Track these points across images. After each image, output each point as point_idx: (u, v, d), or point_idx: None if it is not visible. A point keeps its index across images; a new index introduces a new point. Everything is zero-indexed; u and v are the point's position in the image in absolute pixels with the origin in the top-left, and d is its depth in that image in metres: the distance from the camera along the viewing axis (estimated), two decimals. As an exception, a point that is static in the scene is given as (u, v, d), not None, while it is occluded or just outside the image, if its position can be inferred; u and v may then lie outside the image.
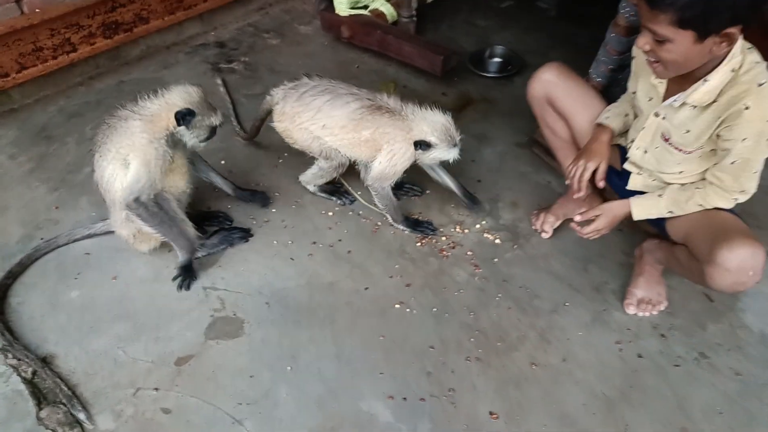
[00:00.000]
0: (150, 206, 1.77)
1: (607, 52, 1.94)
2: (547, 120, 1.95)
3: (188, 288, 1.90)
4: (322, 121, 1.96)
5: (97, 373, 1.69)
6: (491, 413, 1.61)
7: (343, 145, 2.00)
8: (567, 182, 1.79)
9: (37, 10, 2.45)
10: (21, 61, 2.48)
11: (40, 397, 1.63)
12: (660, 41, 1.33)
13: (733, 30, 1.29)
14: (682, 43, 1.32)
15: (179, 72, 2.76)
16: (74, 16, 2.53)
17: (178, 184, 1.88)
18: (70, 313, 1.81)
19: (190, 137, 1.82)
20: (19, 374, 1.66)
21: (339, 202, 2.18)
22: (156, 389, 1.65)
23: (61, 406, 1.61)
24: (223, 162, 2.31)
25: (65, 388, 1.63)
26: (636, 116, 1.73)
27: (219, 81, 2.68)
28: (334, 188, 2.20)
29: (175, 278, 1.91)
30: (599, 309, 1.85)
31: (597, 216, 1.70)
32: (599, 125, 1.76)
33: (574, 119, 1.87)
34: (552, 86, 1.87)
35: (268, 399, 1.63)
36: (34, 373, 1.68)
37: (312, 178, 2.15)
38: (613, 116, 1.75)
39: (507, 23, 3.08)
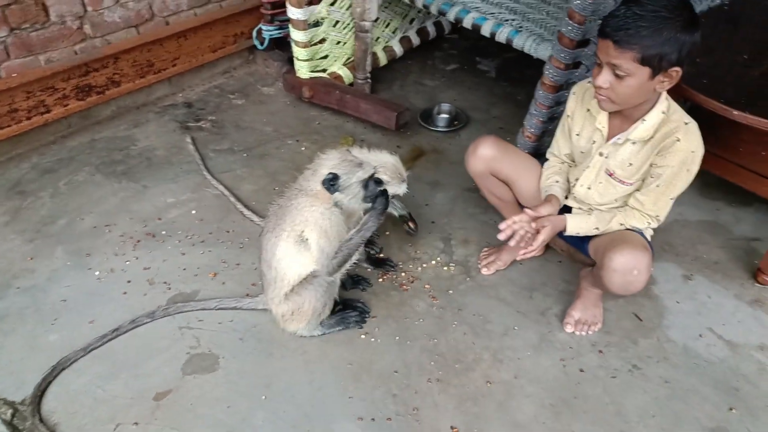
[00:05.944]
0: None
1: (538, 106, 2.25)
2: (490, 187, 2.16)
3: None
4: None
5: (77, 411, 1.75)
6: (452, 427, 1.76)
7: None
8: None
9: (14, 75, 2.60)
10: (-4, 122, 2.59)
11: (20, 436, 1.68)
12: (620, 77, 1.60)
13: (676, 69, 1.59)
14: (639, 78, 1.59)
15: (150, 130, 2.93)
16: (50, 80, 2.68)
17: None
18: (49, 355, 1.88)
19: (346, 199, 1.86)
20: (-2, 416, 1.71)
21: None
22: (136, 423, 1.73)
23: (42, 444, 1.67)
24: (194, 212, 2.46)
25: (43, 430, 1.69)
26: (569, 170, 2.01)
27: (188, 139, 2.85)
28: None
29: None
30: (544, 331, 2.06)
31: (544, 227, 1.84)
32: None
33: (518, 183, 2.08)
34: (492, 161, 2.05)
35: (245, 425, 1.74)
36: (13, 414, 1.73)
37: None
38: (554, 189, 1.96)
39: (452, 83, 3.42)
